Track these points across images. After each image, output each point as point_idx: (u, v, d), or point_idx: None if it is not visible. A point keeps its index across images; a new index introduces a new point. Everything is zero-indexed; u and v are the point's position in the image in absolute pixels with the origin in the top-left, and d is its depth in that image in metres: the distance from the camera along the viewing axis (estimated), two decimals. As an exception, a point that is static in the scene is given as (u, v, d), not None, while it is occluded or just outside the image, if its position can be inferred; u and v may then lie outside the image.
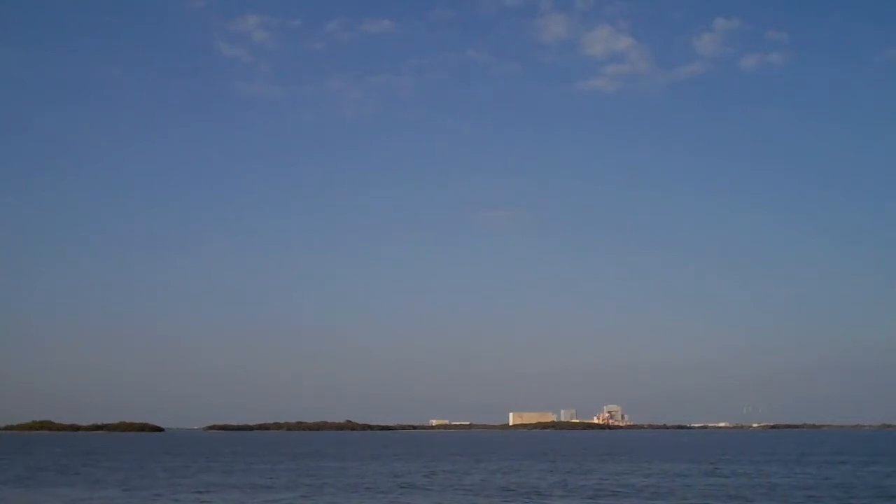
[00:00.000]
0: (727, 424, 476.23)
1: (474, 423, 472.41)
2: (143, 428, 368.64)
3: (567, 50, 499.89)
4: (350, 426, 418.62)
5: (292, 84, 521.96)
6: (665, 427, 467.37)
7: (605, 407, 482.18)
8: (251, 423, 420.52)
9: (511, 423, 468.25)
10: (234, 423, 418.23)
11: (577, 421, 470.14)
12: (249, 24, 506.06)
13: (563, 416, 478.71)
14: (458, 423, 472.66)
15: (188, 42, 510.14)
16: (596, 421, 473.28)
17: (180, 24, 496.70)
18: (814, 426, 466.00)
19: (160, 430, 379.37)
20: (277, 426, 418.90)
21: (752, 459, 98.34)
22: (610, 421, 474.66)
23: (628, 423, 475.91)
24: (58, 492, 57.43)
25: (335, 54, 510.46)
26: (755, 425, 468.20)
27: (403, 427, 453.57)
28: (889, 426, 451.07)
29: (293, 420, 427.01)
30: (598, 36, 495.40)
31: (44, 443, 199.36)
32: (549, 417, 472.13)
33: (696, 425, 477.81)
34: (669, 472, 74.75)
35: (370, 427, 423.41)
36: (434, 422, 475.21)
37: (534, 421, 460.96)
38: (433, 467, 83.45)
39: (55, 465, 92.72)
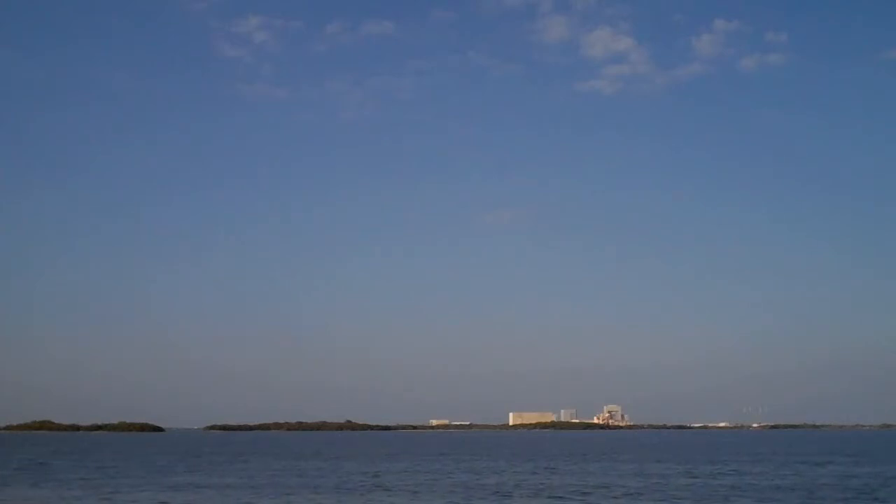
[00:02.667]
0: (727, 424, 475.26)
1: (474, 423, 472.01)
2: (144, 428, 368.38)
3: (567, 51, 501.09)
4: (350, 426, 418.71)
5: (293, 85, 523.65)
6: (665, 427, 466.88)
7: (605, 407, 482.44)
8: (251, 423, 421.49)
9: (511, 423, 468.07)
10: (234, 423, 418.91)
11: (577, 421, 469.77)
12: (251, 25, 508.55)
13: (563, 416, 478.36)
14: (458, 423, 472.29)
15: (190, 43, 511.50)
16: (596, 421, 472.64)
17: (182, 26, 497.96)
18: (814, 426, 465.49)
19: (160, 430, 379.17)
20: (277, 426, 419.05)
21: (738, 460, 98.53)
22: (610, 421, 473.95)
23: (628, 423, 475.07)
24: (11, 492, 57.52)
25: (336, 56, 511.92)
26: (755, 425, 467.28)
27: (403, 427, 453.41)
28: (889, 426, 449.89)
29: (293, 420, 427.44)
30: (599, 37, 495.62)
31: (38, 443, 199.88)
32: (549, 417, 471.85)
33: (696, 425, 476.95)
34: (645, 472, 74.96)
35: (370, 427, 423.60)
36: (434, 422, 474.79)
37: (534, 421, 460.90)
38: (416, 468, 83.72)
39: (31, 463, 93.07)
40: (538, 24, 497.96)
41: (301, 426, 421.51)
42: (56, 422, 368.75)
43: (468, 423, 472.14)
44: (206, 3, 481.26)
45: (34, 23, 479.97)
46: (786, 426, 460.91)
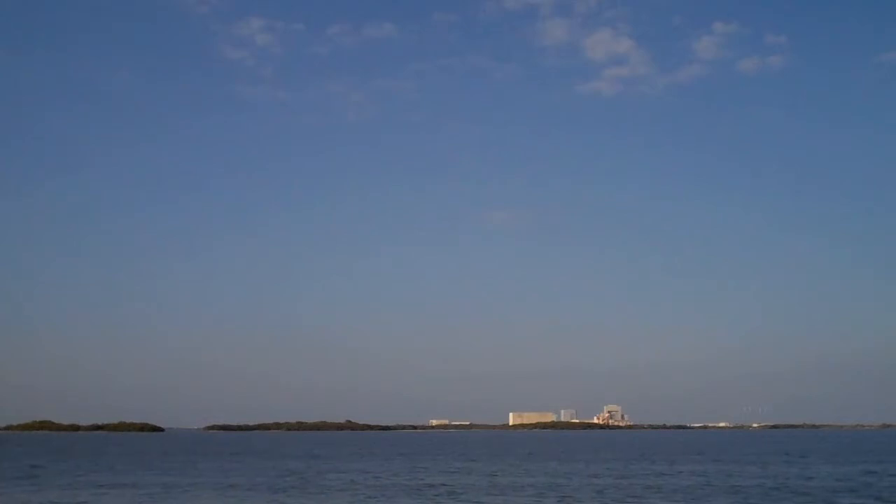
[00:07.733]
0: (727, 424, 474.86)
1: (474, 423, 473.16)
2: (144, 428, 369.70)
3: (568, 53, 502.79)
4: (350, 426, 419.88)
5: (295, 87, 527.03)
6: (665, 427, 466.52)
7: (605, 407, 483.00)
8: (251, 423, 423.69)
9: (511, 423, 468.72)
10: (234, 423, 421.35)
11: (577, 421, 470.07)
12: (253, 27, 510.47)
13: (563, 416, 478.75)
14: (458, 423, 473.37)
15: (192, 45, 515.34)
16: (596, 421, 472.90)
17: (184, 28, 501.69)
18: (814, 426, 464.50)
19: (160, 430, 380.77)
20: (277, 426, 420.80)
21: (702, 460, 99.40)
22: (610, 421, 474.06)
23: (628, 424, 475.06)
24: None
25: (338, 58, 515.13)
26: (755, 425, 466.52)
27: (403, 427, 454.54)
28: (889, 426, 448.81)
29: (293, 420, 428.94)
30: (599, 39, 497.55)
31: (33, 443, 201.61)
32: (549, 417, 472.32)
33: (696, 425, 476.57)
34: (586, 472, 75.92)
35: (370, 427, 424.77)
36: (434, 422, 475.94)
37: (534, 421, 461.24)
38: (375, 468, 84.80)
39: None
40: (539, 27, 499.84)
41: (301, 426, 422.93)
42: (56, 422, 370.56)
43: (468, 423, 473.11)
44: (208, 5, 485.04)
45: (34, 23, 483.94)
46: (786, 426, 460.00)
